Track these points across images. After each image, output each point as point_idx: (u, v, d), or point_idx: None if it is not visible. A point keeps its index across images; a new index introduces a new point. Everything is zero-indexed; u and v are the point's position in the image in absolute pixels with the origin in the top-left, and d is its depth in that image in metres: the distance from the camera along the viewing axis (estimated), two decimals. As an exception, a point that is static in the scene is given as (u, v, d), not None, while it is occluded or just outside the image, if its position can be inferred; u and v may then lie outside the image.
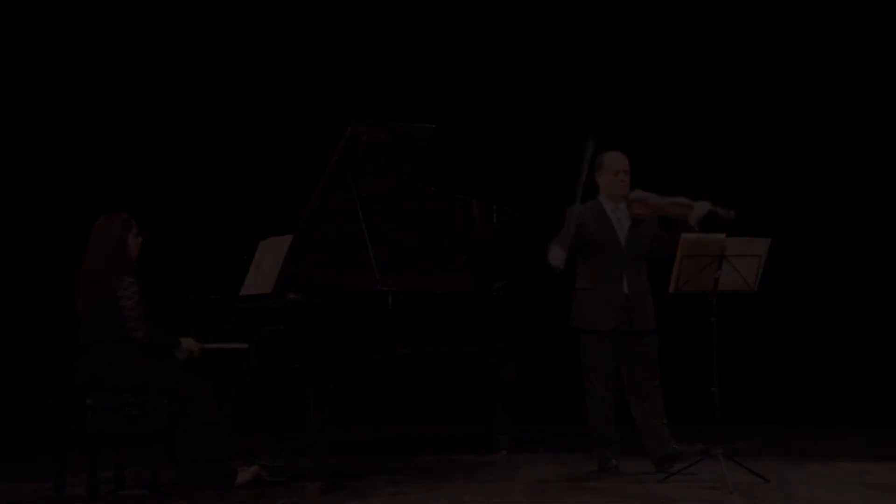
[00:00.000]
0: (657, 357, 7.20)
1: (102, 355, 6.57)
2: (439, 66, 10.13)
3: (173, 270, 8.25)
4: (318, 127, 8.36)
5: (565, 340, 7.28)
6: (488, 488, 6.70)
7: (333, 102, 9.74)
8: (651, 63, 10.17)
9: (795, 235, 9.25)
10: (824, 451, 7.86)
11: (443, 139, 7.23)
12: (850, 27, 9.90)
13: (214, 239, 9.30)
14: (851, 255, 9.95)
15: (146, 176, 9.70)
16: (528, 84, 10.29)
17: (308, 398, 6.50)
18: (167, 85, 9.87)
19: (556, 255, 7.04)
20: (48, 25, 9.61)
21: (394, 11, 10.10)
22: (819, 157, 9.92)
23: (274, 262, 6.99)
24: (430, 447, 8.24)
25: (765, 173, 9.90)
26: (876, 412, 9.32)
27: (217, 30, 9.92)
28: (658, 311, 7.24)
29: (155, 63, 9.78)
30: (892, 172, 9.85)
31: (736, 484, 6.47)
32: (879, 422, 9.09)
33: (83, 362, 6.60)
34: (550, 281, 7.16)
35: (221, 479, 6.64)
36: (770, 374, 9.97)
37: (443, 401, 10.15)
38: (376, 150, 6.99)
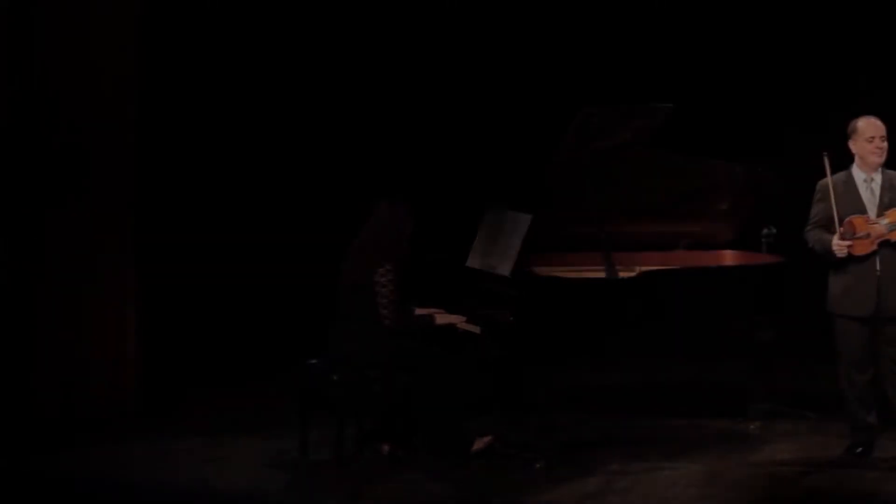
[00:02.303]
0: None
1: (353, 332, 6.98)
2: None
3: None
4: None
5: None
6: (707, 474, 6.85)
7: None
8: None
9: None
10: None
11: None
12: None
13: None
14: None
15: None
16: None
17: (535, 381, 6.85)
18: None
19: (825, 242, 6.88)
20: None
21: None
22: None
23: (504, 239, 7.16)
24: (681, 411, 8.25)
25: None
26: None
27: None
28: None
29: None
30: None
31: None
32: None
33: (337, 337, 7.05)
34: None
35: (457, 446, 7.03)
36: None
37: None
38: (608, 133, 7.23)
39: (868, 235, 6.81)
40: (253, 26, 9.99)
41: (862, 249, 6.84)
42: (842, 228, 6.84)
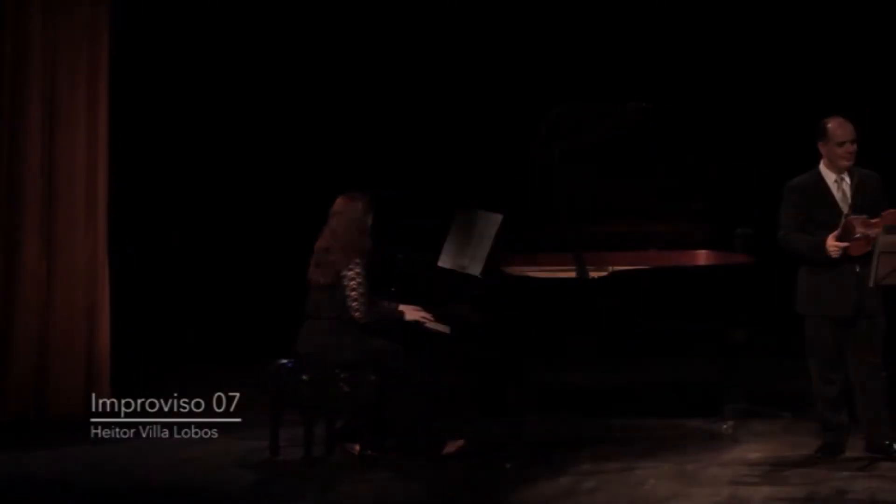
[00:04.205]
0: (881, 341, 6.93)
1: (323, 331, 6.99)
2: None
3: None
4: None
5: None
6: (678, 473, 6.84)
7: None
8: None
9: None
10: None
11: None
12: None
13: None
14: None
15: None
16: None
17: (506, 381, 6.84)
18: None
19: (815, 243, 6.83)
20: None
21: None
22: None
23: (475, 239, 7.15)
24: (655, 411, 8.26)
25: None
26: None
27: None
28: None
29: None
30: None
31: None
32: None
33: (307, 334, 7.05)
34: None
35: (429, 447, 7.02)
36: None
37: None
38: (580, 131, 7.24)
39: (865, 237, 6.79)
40: (229, 29, 10.01)
41: (858, 251, 6.81)
42: (839, 230, 6.81)
